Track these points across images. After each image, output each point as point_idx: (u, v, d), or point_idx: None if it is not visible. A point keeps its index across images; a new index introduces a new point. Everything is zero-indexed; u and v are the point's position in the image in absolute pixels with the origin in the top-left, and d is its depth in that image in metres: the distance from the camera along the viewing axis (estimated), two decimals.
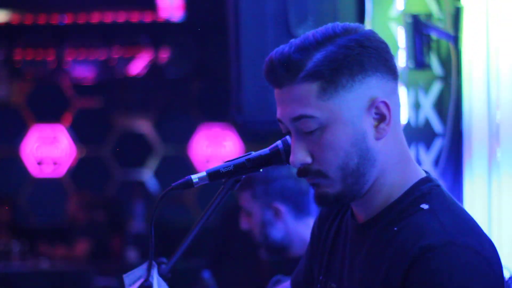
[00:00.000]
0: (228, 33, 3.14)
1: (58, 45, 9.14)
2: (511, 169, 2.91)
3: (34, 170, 9.25)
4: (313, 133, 1.58)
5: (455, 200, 1.63)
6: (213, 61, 8.81)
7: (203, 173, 1.79)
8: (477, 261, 1.50)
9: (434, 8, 3.32)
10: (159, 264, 1.94)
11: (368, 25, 3.28)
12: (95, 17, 8.72)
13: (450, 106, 3.26)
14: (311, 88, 1.57)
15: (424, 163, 3.35)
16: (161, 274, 1.92)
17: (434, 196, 1.60)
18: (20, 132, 9.22)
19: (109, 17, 8.73)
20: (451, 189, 3.23)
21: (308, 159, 1.60)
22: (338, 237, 1.74)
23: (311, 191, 1.79)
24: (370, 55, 1.58)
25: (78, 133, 9.28)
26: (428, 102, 3.37)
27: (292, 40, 1.61)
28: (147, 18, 8.77)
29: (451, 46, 3.22)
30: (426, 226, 1.53)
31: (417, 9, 3.33)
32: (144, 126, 9.34)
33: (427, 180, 1.64)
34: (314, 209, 2.99)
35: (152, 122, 9.34)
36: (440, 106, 3.36)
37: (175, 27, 8.84)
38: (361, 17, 3.17)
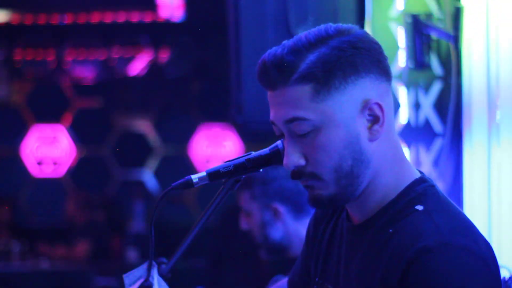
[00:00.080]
0: (228, 33, 3.14)
1: (58, 45, 9.14)
2: (511, 169, 2.92)
3: (34, 170, 9.25)
4: (307, 136, 1.58)
5: (450, 200, 1.63)
6: (213, 61, 8.82)
7: (203, 173, 1.79)
8: (474, 262, 1.49)
9: (434, 8, 3.33)
10: (159, 264, 1.94)
11: (368, 25, 3.28)
12: (95, 17, 8.72)
13: (450, 106, 3.26)
14: (304, 90, 1.56)
15: (424, 163, 3.35)
16: (161, 274, 1.92)
17: (428, 197, 1.60)
18: (20, 132, 9.22)
19: (109, 17, 8.73)
20: (451, 189, 3.23)
21: (302, 162, 1.60)
22: (333, 238, 1.74)
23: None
24: (363, 57, 1.57)
25: (78, 133, 9.28)
26: (428, 102, 3.38)
27: (285, 42, 1.60)
28: (147, 18, 8.77)
29: (451, 46, 3.22)
30: (421, 228, 1.53)
31: (417, 9, 3.33)
32: (144, 126, 9.34)
33: (422, 180, 1.63)
34: (313, 209, 2.99)
35: (152, 122, 9.33)
36: (440, 106, 3.36)
37: (175, 27, 8.83)
38: (361, 17, 3.17)
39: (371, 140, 1.59)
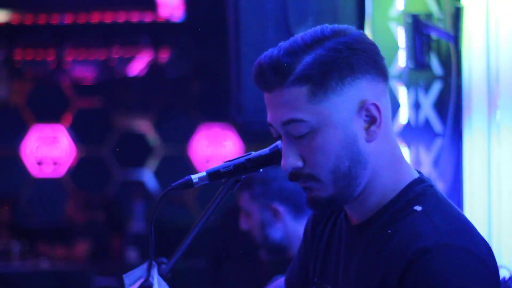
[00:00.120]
0: (228, 33, 3.14)
1: (58, 45, 9.14)
2: (511, 169, 2.92)
3: (34, 170, 9.25)
4: (304, 137, 1.58)
5: (449, 200, 1.62)
6: (213, 61, 8.82)
7: (203, 173, 1.78)
8: (473, 262, 1.49)
9: (434, 8, 3.33)
10: (159, 264, 1.94)
11: (368, 25, 3.28)
12: (95, 17, 8.72)
13: (450, 106, 3.26)
14: (301, 92, 1.56)
15: (424, 163, 3.35)
16: (161, 274, 1.92)
17: (427, 197, 1.60)
18: (20, 132, 9.22)
19: (109, 17, 8.73)
20: (451, 189, 3.23)
21: (299, 163, 1.59)
22: (332, 238, 1.74)
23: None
24: (359, 57, 1.57)
25: (78, 133, 9.28)
26: (428, 102, 3.38)
27: (281, 43, 1.60)
28: (147, 18, 8.77)
29: (451, 46, 3.22)
30: (420, 229, 1.53)
31: (417, 9, 3.33)
32: (144, 126, 9.34)
33: (420, 181, 1.63)
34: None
35: (152, 122, 9.34)
36: (440, 106, 3.36)
37: (175, 27, 8.84)
38: (361, 17, 3.17)
39: (368, 140, 1.59)
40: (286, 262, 3.01)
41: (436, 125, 3.36)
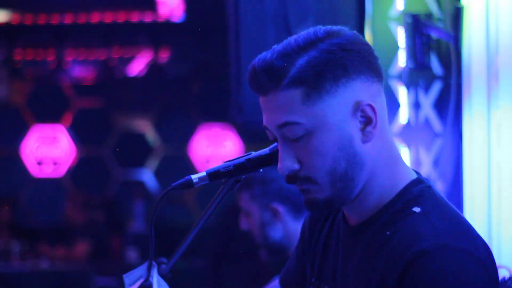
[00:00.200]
0: (228, 33, 3.14)
1: (58, 45, 9.14)
2: (510, 170, 2.92)
3: (34, 170, 9.25)
4: (300, 140, 1.57)
5: (447, 201, 1.62)
6: (213, 61, 8.81)
7: (203, 173, 1.78)
8: (471, 264, 1.49)
9: (434, 8, 3.33)
10: (159, 264, 1.94)
11: (368, 25, 3.28)
12: (95, 17, 8.72)
13: (450, 106, 3.26)
14: (295, 95, 1.56)
15: (424, 163, 3.36)
16: (161, 274, 1.92)
17: (425, 198, 1.59)
18: (20, 132, 9.22)
19: (109, 17, 8.73)
20: (451, 189, 3.23)
21: (296, 166, 1.59)
22: (330, 239, 1.74)
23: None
24: (353, 58, 1.57)
25: (78, 133, 9.28)
26: (428, 102, 3.38)
27: (275, 46, 1.60)
28: (147, 18, 8.77)
29: (451, 46, 3.22)
30: (419, 230, 1.53)
31: (417, 9, 3.33)
32: (144, 126, 9.34)
33: (418, 181, 1.63)
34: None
35: (152, 122, 9.34)
36: (440, 106, 3.36)
37: (175, 27, 8.83)
38: (361, 17, 3.17)
39: (364, 141, 1.58)
40: (286, 262, 3.01)
41: (436, 125, 3.37)
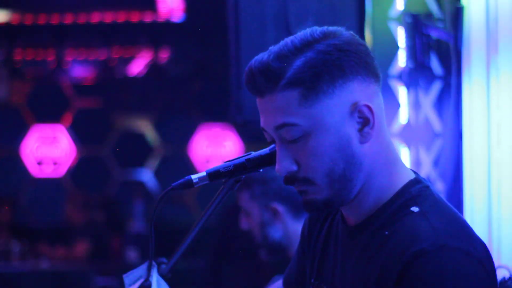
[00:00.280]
0: (228, 33, 3.14)
1: (58, 45, 9.13)
2: (510, 170, 2.92)
3: (34, 170, 9.25)
4: (297, 141, 1.58)
5: (445, 201, 1.62)
6: (213, 61, 8.82)
7: (203, 173, 1.79)
8: (470, 263, 1.49)
9: (434, 8, 3.33)
10: (159, 264, 1.94)
11: (368, 25, 3.28)
12: (95, 17, 8.72)
13: (450, 106, 3.26)
14: (292, 96, 1.56)
15: (424, 163, 3.36)
16: (161, 274, 1.92)
17: (423, 198, 1.60)
18: (20, 132, 9.22)
19: (109, 17, 8.73)
20: (451, 189, 3.23)
21: (294, 167, 1.59)
22: (329, 239, 1.74)
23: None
24: (350, 59, 1.57)
25: (78, 133, 9.28)
26: (428, 102, 3.38)
27: (271, 47, 1.60)
28: (147, 18, 8.76)
29: (451, 46, 3.22)
30: (418, 230, 1.53)
31: (417, 9, 3.33)
32: (144, 126, 9.34)
33: (416, 181, 1.63)
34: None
35: (152, 122, 9.34)
36: (440, 106, 3.36)
37: (175, 27, 8.83)
38: (361, 17, 3.17)
39: (362, 142, 1.58)
40: (286, 262, 3.01)
41: (436, 125, 3.37)
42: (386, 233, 1.57)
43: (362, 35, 3.08)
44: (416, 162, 3.34)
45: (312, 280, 1.76)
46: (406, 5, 3.35)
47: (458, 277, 1.47)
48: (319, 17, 3.03)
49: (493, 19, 2.95)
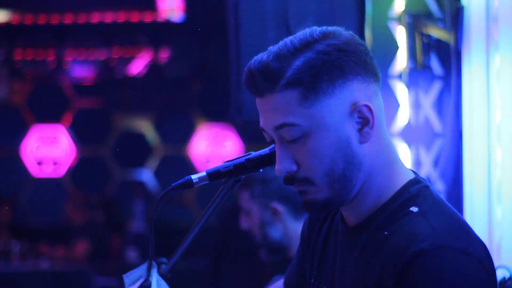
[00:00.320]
0: (228, 33, 3.14)
1: (58, 45, 9.14)
2: (511, 170, 2.92)
3: (34, 170, 9.25)
4: (297, 141, 1.57)
5: (445, 201, 1.62)
6: (213, 61, 8.82)
7: (203, 173, 1.78)
8: (469, 263, 1.49)
9: (434, 8, 3.33)
10: (159, 264, 1.94)
11: (368, 25, 3.28)
12: (95, 17, 8.72)
13: (450, 106, 3.26)
14: (292, 96, 1.56)
15: (424, 163, 3.36)
16: (161, 274, 1.92)
17: (423, 198, 1.59)
18: (20, 132, 9.22)
19: (109, 17, 8.73)
20: (451, 189, 3.23)
21: (294, 167, 1.59)
22: (328, 239, 1.74)
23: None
24: (349, 59, 1.57)
25: (78, 133, 9.28)
26: (428, 102, 3.38)
27: (271, 48, 1.60)
28: (147, 18, 8.77)
29: (451, 46, 3.22)
30: (417, 230, 1.52)
31: (417, 9, 3.33)
32: (144, 126, 9.34)
33: (416, 181, 1.63)
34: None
35: (152, 122, 9.34)
36: (440, 106, 3.36)
37: (175, 27, 8.84)
38: (361, 17, 3.17)
39: (362, 142, 1.58)
40: (286, 262, 3.01)
41: (436, 125, 3.37)
42: (386, 233, 1.57)
43: (362, 35, 3.08)
44: (416, 162, 3.34)
45: (312, 281, 1.77)
46: (406, 5, 3.35)
47: (457, 277, 1.47)
48: (319, 17, 3.03)
49: (493, 19, 2.95)
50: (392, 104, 3.34)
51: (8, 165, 9.22)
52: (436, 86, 3.37)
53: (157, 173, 9.23)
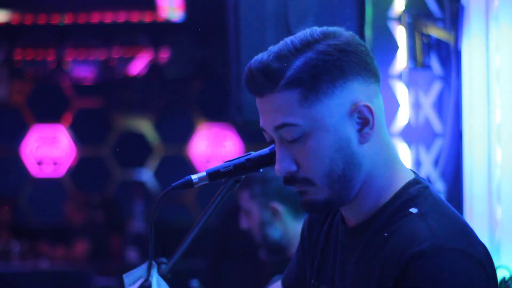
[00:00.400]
0: (228, 33, 3.14)
1: (58, 45, 9.14)
2: (510, 170, 2.92)
3: (34, 170, 9.25)
4: (297, 141, 1.57)
5: (445, 201, 1.62)
6: (213, 61, 8.82)
7: (203, 173, 1.78)
8: (469, 264, 1.49)
9: (434, 8, 3.33)
10: (159, 264, 1.94)
11: (368, 25, 3.28)
12: (95, 17, 8.72)
13: (450, 106, 3.26)
14: (292, 96, 1.56)
15: (424, 163, 3.36)
16: (161, 274, 1.92)
17: (423, 199, 1.59)
18: (20, 132, 9.22)
19: (109, 17, 8.73)
20: (451, 189, 3.23)
21: (293, 167, 1.59)
22: (328, 240, 1.74)
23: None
24: (350, 60, 1.57)
25: (78, 133, 9.28)
26: (428, 102, 3.38)
27: (271, 48, 1.60)
28: (147, 18, 8.77)
29: (451, 46, 3.22)
30: (416, 232, 1.52)
31: (417, 9, 3.33)
32: (144, 126, 9.34)
33: (416, 182, 1.63)
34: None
35: (152, 122, 9.34)
36: (440, 106, 3.36)
37: (175, 27, 8.84)
38: (361, 17, 3.17)
39: (362, 142, 1.58)
40: (286, 262, 3.01)
41: (436, 125, 3.36)
42: (385, 234, 1.57)
43: (362, 35, 3.08)
44: (416, 162, 3.34)
45: (312, 281, 1.76)
46: (406, 5, 3.35)
47: (457, 278, 1.47)
48: (319, 17, 3.03)
49: (493, 19, 2.95)
50: (392, 104, 3.34)
51: (8, 165, 9.22)
52: (436, 86, 3.37)
53: (157, 173, 9.23)
